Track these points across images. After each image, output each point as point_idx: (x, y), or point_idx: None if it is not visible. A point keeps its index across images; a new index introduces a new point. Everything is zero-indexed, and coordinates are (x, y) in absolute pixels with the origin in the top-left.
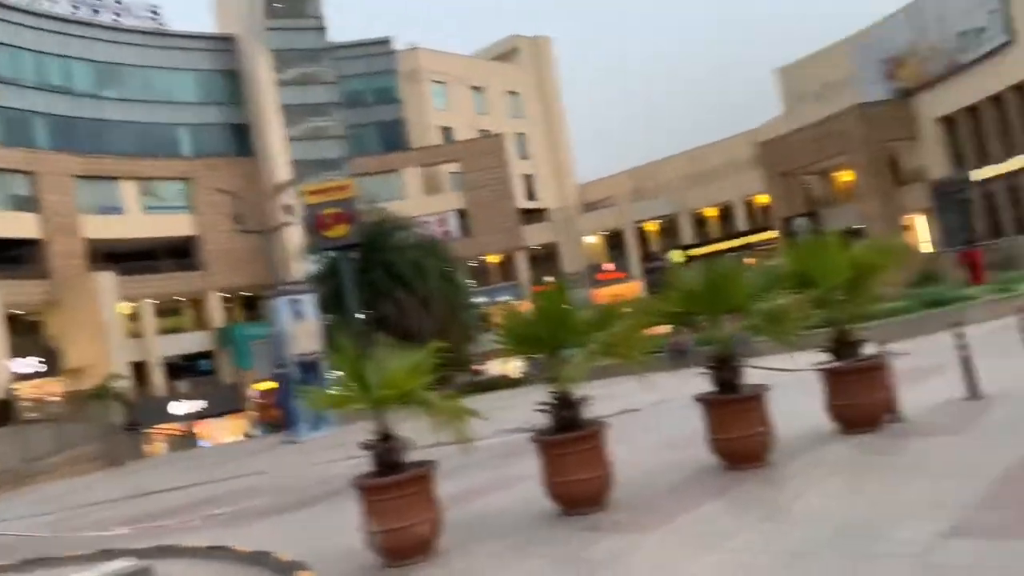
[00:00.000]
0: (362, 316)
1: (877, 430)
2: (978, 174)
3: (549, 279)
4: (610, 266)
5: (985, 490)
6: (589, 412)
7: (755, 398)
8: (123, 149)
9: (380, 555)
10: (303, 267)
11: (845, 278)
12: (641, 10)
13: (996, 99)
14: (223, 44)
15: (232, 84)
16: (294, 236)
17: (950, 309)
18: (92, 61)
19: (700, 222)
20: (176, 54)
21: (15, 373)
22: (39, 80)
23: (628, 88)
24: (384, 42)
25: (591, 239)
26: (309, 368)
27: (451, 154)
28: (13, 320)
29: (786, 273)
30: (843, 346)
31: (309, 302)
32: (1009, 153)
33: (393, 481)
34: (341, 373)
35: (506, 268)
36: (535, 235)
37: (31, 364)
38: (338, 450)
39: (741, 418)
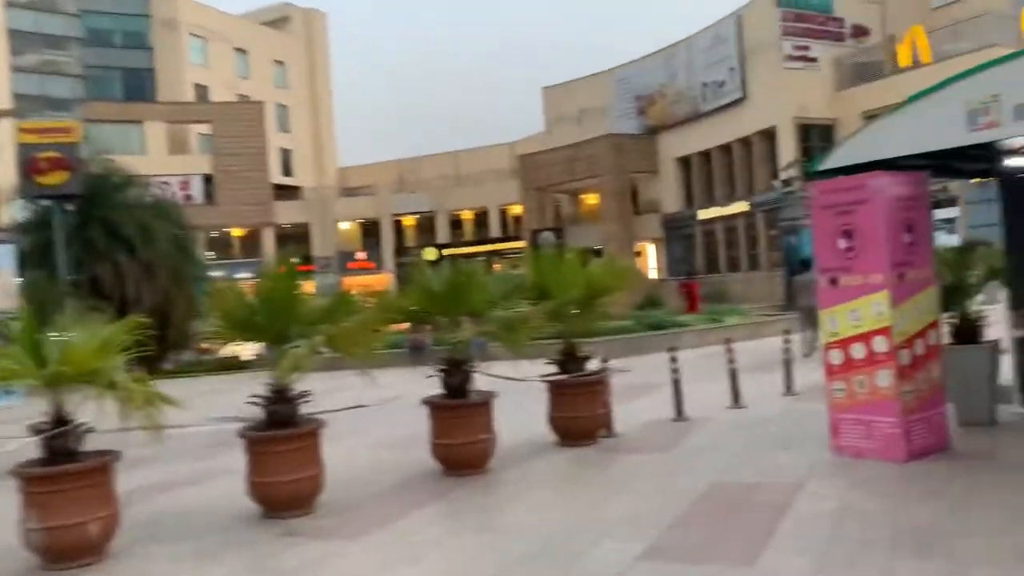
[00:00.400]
0: (73, 277)
1: (593, 444)
2: (703, 213)
3: (295, 260)
4: (362, 255)
5: (681, 511)
6: (312, 406)
7: (482, 405)
8: None
9: (39, 555)
10: (11, 212)
11: (579, 294)
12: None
13: (726, 148)
14: None
15: None
16: (7, 176)
17: (667, 333)
18: None
19: (456, 223)
20: None
21: None
22: None
23: (401, 78)
24: None
25: (346, 225)
26: None
27: (203, 114)
28: None
29: (527, 283)
30: (570, 360)
31: (6, 252)
32: (730, 198)
33: (60, 472)
34: (14, 341)
35: (252, 244)
36: (287, 213)
37: None
38: (16, 426)
39: (465, 424)
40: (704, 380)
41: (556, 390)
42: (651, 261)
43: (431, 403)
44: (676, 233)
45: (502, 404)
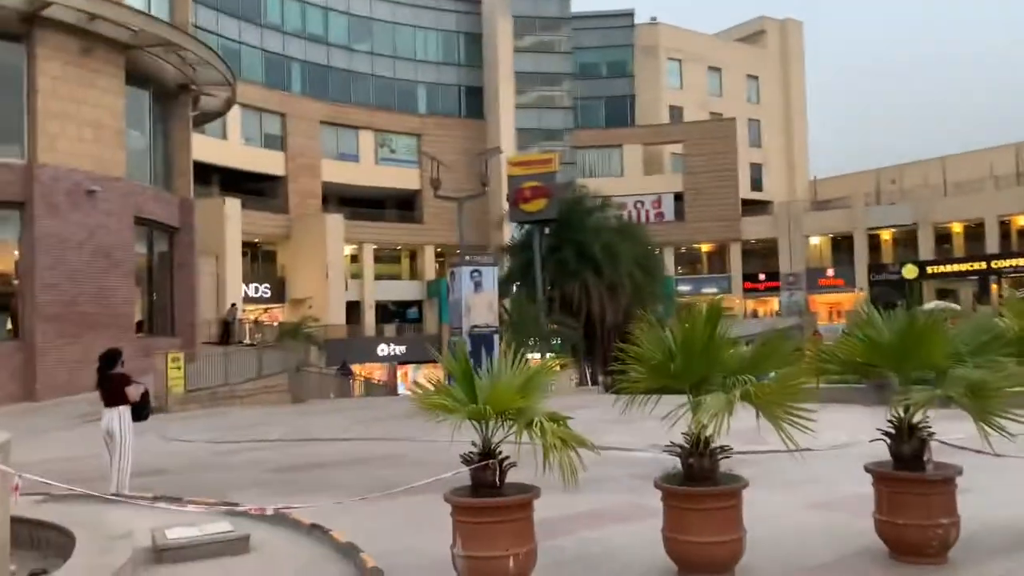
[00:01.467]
0: (547, 295)
1: None
2: None
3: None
4: (832, 272)
5: None
6: (743, 441)
7: (944, 482)
8: (364, 100)
9: None
10: (506, 235)
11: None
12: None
13: None
14: (469, 7)
15: (472, 47)
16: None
17: None
18: (348, 14)
19: (944, 237)
20: (424, 13)
21: (245, 296)
22: (299, 28)
23: (883, 85)
24: (626, 15)
25: (816, 240)
26: (482, 340)
27: (676, 134)
28: (251, 247)
29: (1013, 332)
30: None
31: (490, 273)
32: None
33: (482, 505)
34: (453, 375)
35: (719, 259)
36: (754, 228)
37: (260, 290)
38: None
39: (920, 503)
40: None
41: None
42: None
43: (876, 471)
44: None
45: (974, 478)
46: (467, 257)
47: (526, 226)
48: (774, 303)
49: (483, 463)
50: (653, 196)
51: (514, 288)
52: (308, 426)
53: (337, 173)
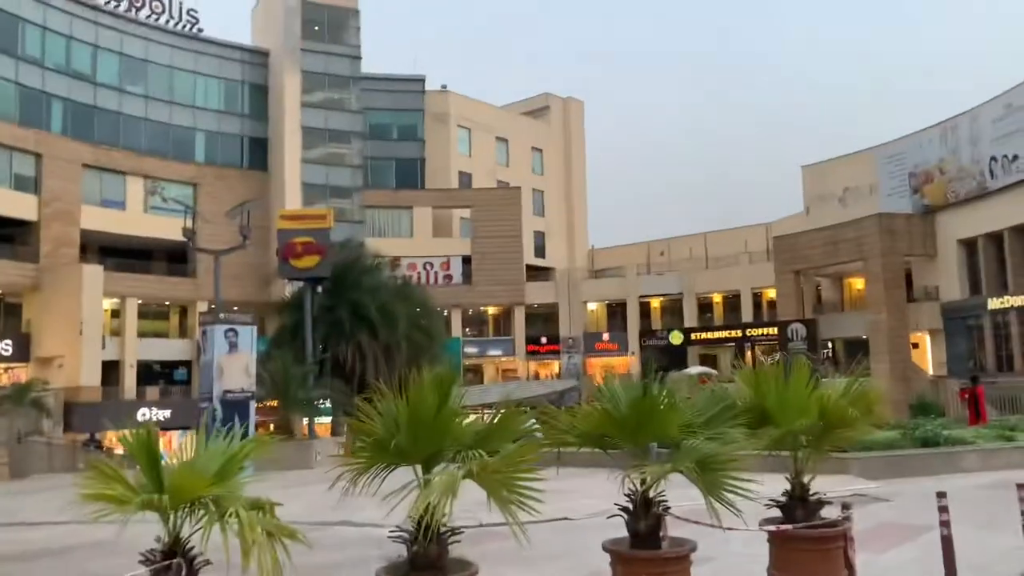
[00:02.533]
0: (318, 356)
1: None
2: (994, 303)
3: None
4: (607, 336)
5: None
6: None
7: (677, 559)
8: (136, 145)
9: None
10: (280, 291)
11: (809, 423)
12: (675, 83)
13: (1021, 229)
14: (255, 57)
15: (258, 97)
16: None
17: (942, 451)
18: (120, 54)
19: (706, 306)
20: (206, 59)
21: None
22: (62, 64)
23: (653, 159)
24: (416, 80)
25: (593, 306)
26: (235, 407)
27: (466, 199)
28: None
29: (743, 404)
30: (798, 503)
31: (247, 333)
32: None
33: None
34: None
35: (504, 321)
36: (538, 293)
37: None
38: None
39: None
40: (985, 526)
41: (780, 542)
42: (928, 355)
43: (613, 551)
44: (958, 325)
45: (707, 555)
46: (222, 315)
47: (298, 284)
48: (555, 365)
49: (165, 563)
50: (442, 258)
51: (281, 352)
52: (19, 507)
53: (99, 220)
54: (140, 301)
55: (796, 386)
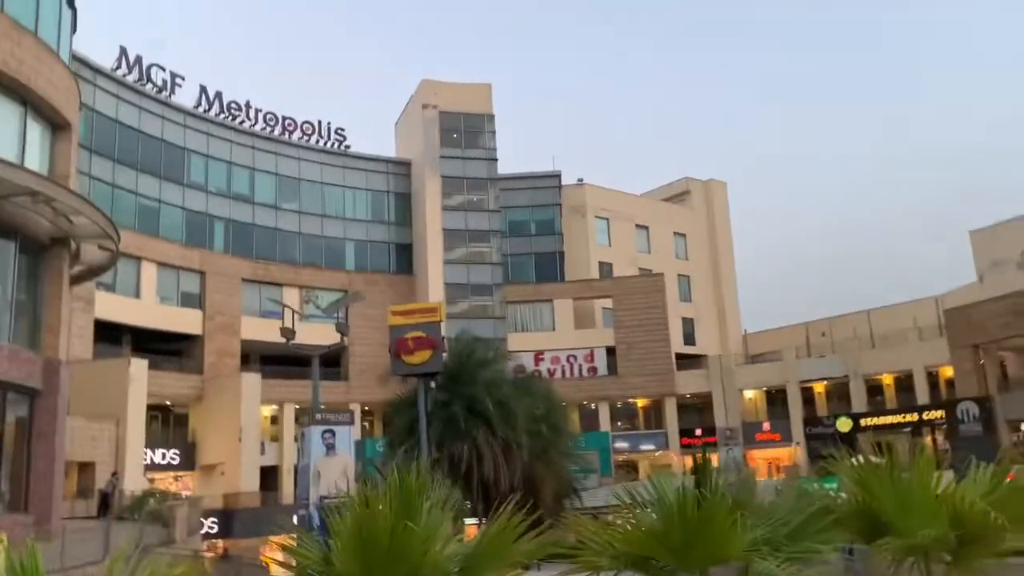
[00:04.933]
0: (432, 455)
1: None
2: None
3: (698, 431)
4: (767, 425)
5: None
6: None
7: None
8: (290, 257)
9: None
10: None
11: (939, 531)
12: (824, 163)
13: None
14: (398, 168)
15: (401, 205)
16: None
17: None
18: (275, 174)
19: (875, 389)
20: (354, 173)
21: (150, 463)
22: (223, 187)
23: (804, 242)
24: (552, 176)
25: (750, 393)
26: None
27: (606, 289)
28: (162, 410)
29: (846, 507)
30: None
31: (346, 434)
32: None
33: None
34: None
35: (655, 413)
36: (689, 382)
37: (167, 456)
38: None
39: None
40: None
41: None
42: None
43: None
44: None
45: None
46: (318, 416)
47: (411, 381)
48: (713, 459)
49: None
50: (585, 350)
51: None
52: None
53: (258, 331)
54: (297, 406)
55: (920, 484)
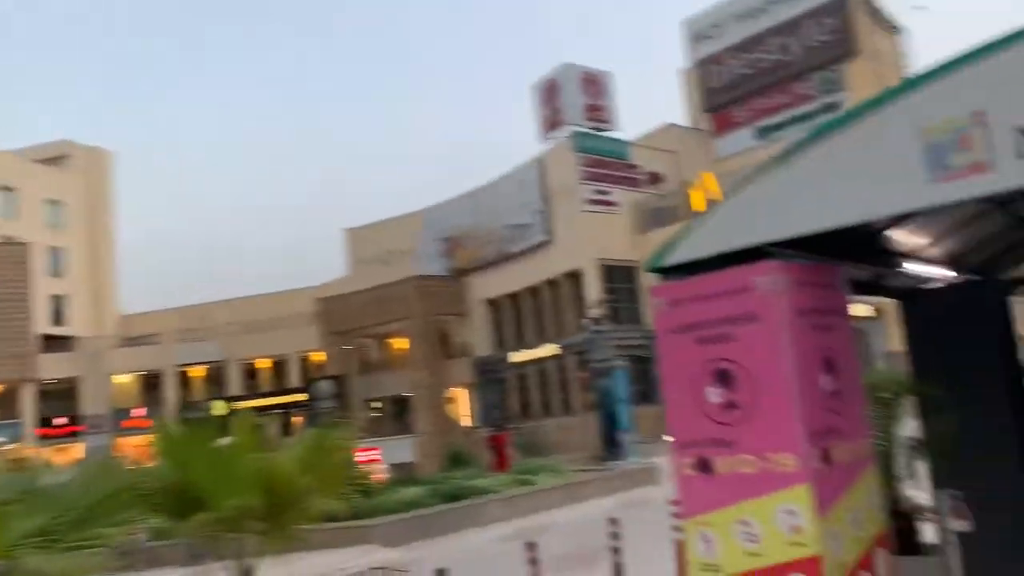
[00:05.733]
0: None
1: None
2: (515, 356)
3: (61, 420)
4: (141, 411)
5: None
6: None
7: None
8: None
9: None
10: None
11: (255, 500)
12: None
13: (534, 290)
14: None
15: None
16: None
17: (468, 504)
18: None
19: (251, 373)
20: None
21: None
22: None
23: (209, 228)
24: None
25: (124, 378)
26: None
27: None
28: None
29: (156, 482)
30: None
31: None
32: (541, 340)
33: None
34: None
35: (10, 402)
36: (54, 366)
37: None
38: None
39: None
40: None
41: None
42: (464, 407)
43: None
44: (488, 378)
45: None
46: None
47: None
48: (79, 449)
49: None
50: None
51: None
52: None
53: None
54: None
55: (234, 455)
